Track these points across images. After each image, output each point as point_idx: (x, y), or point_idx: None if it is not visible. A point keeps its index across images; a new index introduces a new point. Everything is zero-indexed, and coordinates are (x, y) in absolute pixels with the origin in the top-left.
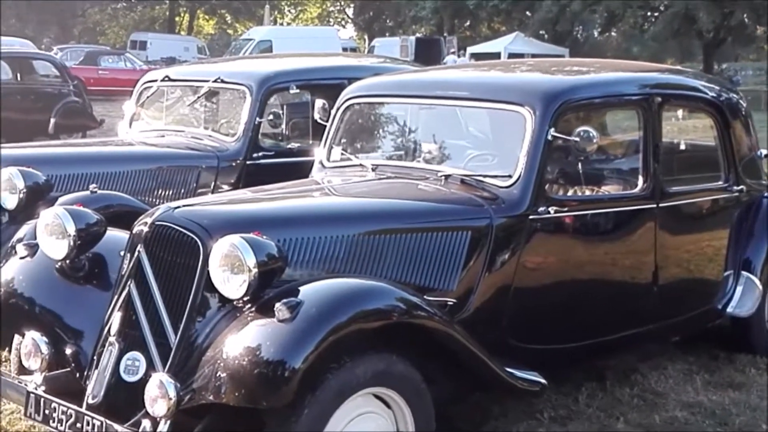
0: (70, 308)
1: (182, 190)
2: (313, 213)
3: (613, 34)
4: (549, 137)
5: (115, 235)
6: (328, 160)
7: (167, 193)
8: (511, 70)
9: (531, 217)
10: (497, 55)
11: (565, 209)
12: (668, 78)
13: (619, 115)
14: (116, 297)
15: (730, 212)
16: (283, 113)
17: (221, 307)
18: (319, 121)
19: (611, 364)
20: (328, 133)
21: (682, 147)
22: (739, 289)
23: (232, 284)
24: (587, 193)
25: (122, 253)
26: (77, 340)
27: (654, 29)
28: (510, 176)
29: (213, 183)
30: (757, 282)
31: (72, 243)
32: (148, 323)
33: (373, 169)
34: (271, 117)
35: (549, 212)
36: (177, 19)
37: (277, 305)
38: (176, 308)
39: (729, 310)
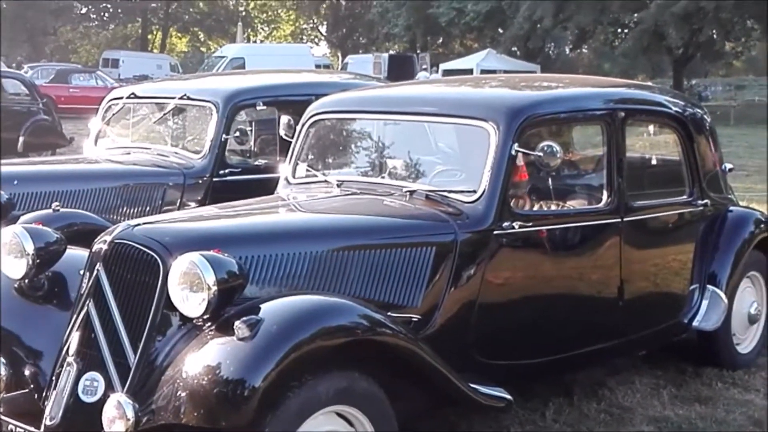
0: (29, 328)
1: (148, 208)
2: (275, 230)
3: (584, 50)
4: (513, 152)
5: (75, 253)
6: (294, 176)
7: (133, 210)
8: (478, 86)
9: (495, 232)
10: (470, 72)
11: (530, 224)
12: (632, 93)
13: (589, 130)
14: (75, 316)
15: (695, 226)
16: (250, 130)
17: (181, 326)
18: (284, 137)
19: (578, 379)
20: (294, 149)
21: (647, 161)
22: (704, 303)
23: (192, 302)
24: (552, 208)
25: (82, 272)
26: (36, 361)
27: (624, 46)
28: (474, 191)
29: (179, 200)
30: (723, 296)
31: (30, 262)
32: (107, 343)
33: (338, 185)
34: (237, 134)
35: (513, 227)
36: (150, 37)
37: (237, 323)
38: (136, 327)
39: (695, 324)
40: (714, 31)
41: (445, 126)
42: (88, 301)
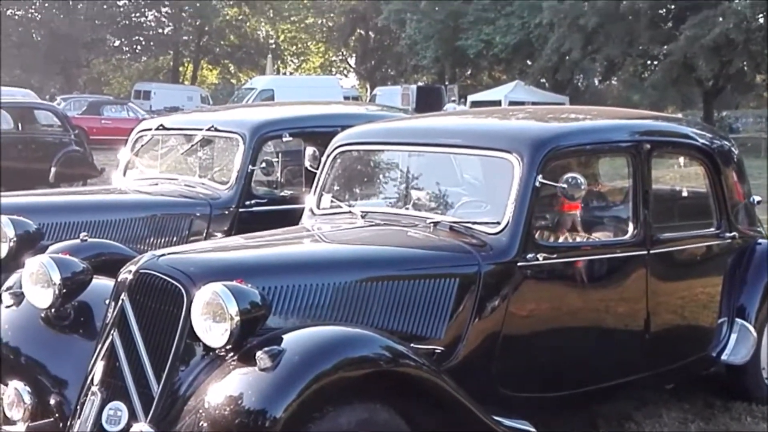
0: (55, 357)
1: (174, 238)
2: (298, 260)
3: (613, 82)
4: (537, 184)
5: (102, 283)
6: (318, 207)
7: (160, 241)
8: (505, 118)
9: (519, 264)
10: (498, 103)
11: (554, 256)
12: (658, 125)
13: (617, 162)
14: (100, 346)
15: (723, 259)
16: (277, 161)
17: (204, 356)
18: (309, 168)
19: (604, 412)
20: (318, 180)
21: (675, 194)
22: (733, 336)
23: (215, 332)
24: (577, 239)
25: (107, 302)
26: (61, 390)
27: (653, 77)
28: (498, 223)
29: (205, 231)
30: (752, 329)
31: (57, 291)
32: (131, 372)
33: (362, 216)
34: (263, 165)
35: (538, 259)
36: (181, 69)
37: (259, 354)
38: (159, 357)
39: (723, 357)
40: (744, 63)
41: (469, 157)
42: (112, 331)
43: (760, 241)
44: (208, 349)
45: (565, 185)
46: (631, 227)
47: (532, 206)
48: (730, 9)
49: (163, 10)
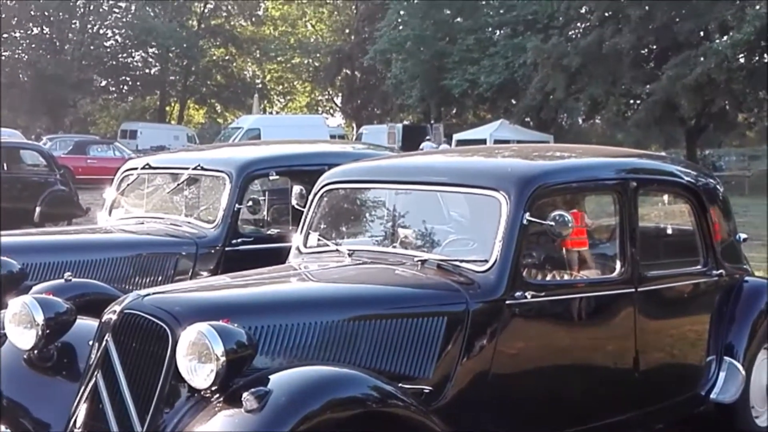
0: (37, 400)
1: (160, 278)
2: (285, 300)
3: (597, 121)
4: (524, 222)
5: (86, 323)
6: (305, 245)
7: (146, 280)
8: (491, 156)
9: (507, 302)
10: (483, 142)
11: (542, 294)
12: (644, 163)
13: (604, 200)
14: (83, 388)
15: (710, 297)
16: (263, 200)
17: (189, 397)
18: (296, 207)
19: None
20: (306, 218)
21: (661, 231)
22: (722, 374)
23: (200, 374)
24: (565, 277)
25: (91, 343)
26: None
27: (636, 116)
28: (486, 261)
29: (191, 270)
30: (740, 367)
31: (40, 332)
32: (114, 415)
33: (349, 255)
34: (250, 203)
35: (526, 297)
36: (167, 108)
37: (245, 395)
38: (143, 399)
39: (712, 396)
40: (726, 102)
41: (456, 195)
42: (96, 373)
43: (746, 278)
44: (193, 390)
45: (552, 223)
46: (618, 265)
47: (520, 244)
48: (711, 49)
49: (150, 50)
